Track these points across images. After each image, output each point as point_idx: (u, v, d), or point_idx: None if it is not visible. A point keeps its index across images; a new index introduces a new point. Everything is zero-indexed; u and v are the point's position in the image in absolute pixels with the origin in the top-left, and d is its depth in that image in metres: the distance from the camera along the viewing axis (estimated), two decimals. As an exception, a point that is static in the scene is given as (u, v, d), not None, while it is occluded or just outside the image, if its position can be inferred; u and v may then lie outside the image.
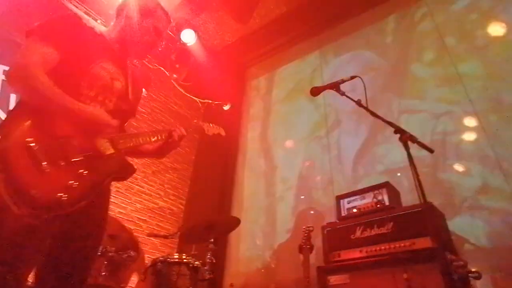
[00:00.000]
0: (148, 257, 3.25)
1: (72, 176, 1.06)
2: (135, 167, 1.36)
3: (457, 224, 2.30)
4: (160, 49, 3.80)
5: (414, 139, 1.45)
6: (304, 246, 2.26)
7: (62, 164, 1.05)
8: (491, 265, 2.08)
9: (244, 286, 3.31)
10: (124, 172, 1.29)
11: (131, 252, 2.12)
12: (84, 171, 1.09)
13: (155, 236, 3.24)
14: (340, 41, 4.25)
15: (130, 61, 1.48)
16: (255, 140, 4.47)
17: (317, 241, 2.23)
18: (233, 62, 5.11)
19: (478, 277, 1.48)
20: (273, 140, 4.23)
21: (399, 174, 2.84)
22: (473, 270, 1.55)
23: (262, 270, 3.36)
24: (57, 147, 1.06)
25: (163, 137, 1.49)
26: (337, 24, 4.34)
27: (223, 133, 1.93)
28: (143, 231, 3.60)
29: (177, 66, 4.61)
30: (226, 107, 4.56)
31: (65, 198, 1.02)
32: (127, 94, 1.37)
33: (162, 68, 4.54)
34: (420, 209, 1.75)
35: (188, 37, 4.36)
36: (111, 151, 1.21)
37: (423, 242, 1.67)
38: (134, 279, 2.68)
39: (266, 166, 4.09)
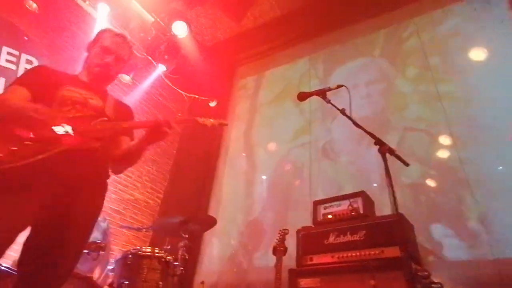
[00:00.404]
0: (119, 249, 3.18)
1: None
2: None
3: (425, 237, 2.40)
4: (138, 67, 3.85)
5: (392, 152, 1.50)
6: (278, 248, 2.29)
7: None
8: (453, 277, 2.19)
9: (215, 285, 3.30)
10: (84, 149, 1.35)
11: (100, 242, 2.07)
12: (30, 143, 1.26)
13: (128, 228, 3.18)
14: (329, 50, 4.33)
15: (105, 88, 1.65)
16: (238, 139, 4.47)
17: (292, 244, 2.26)
18: (223, 60, 5.09)
19: (440, 288, 1.55)
20: (256, 141, 4.25)
21: (375, 185, 2.93)
22: (435, 281, 1.62)
23: (235, 270, 3.37)
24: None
25: (143, 126, 1.53)
26: (328, 33, 4.42)
27: (225, 122, 1.85)
28: (116, 222, 3.52)
29: (166, 57, 4.54)
30: (212, 104, 4.55)
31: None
32: (104, 110, 1.52)
33: (150, 58, 4.45)
34: (391, 219, 1.81)
35: (180, 29, 4.29)
36: (69, 131, 1.33)
37: (392, 251, 1.74)
38: (99, 270, 2.61)
39: (247, 167, 4.10)
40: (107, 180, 1.52)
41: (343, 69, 4.00)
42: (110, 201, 3.62)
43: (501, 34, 3.05)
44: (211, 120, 1.69)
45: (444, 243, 2.38)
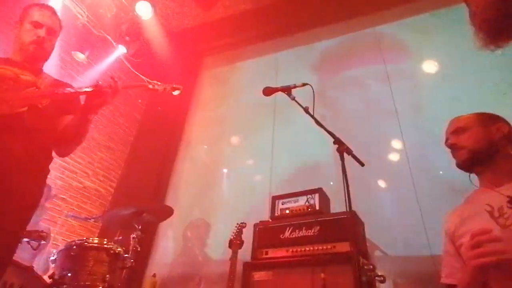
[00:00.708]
0: (62, 239, 2.96)
1: None
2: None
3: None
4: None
5: (349, 151, 1.57)
6: (234, 241, 2.30)
7: None
8: (395, 271, 2.37)
9: (168, 277, 3.23)
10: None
11: (42, 231, 1.91)
12: None
13: (75, 217, 2.97)
14: (296, 49, 4.40)
15: (40, 66, 1.55)
16: (201, 131, 4.38)
17: (248, 237, 2.28)
18: (188, 48, 4.94)
19: (382, 281, 1.66)
20: (219, 133, 4.20)
21: (331, 183, 3.04)
22: (379, 274, 1.73)
23: (189, 263, 3.32)
24: None
25: (81, 93, 1.40)
26: (297, 32, 4.48)
27: (178, 87, 1.69)
28: (61, 210, 3.27)
29: (127, 38, 4.30)
30: (175, 92, 4.38)
31: None
32: (36, 84, 1.41)
33: (109, 37, 4.18)
34: (345, 216, 1.90)
35: (144, 10, 4.08)
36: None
37: (343, 246, 1.83)
38: (40, 261, 2.42)
39: (208, 159, 4.05)
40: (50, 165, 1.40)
41: (308, 70, 4.10)
42: (55, 187, 3.35)
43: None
44: (162, 84, 1.58)
45: (389, 239, 2.55)
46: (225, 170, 3.86)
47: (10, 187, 1.18)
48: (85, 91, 1.38)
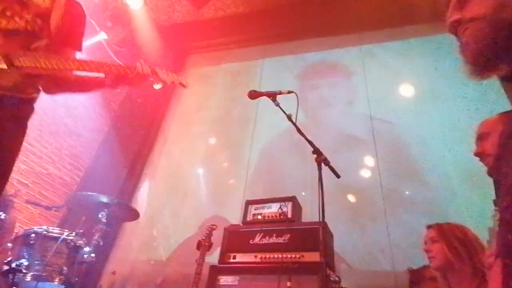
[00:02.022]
0: (20, 226, 2.77)
1: None
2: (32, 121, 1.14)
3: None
4: None
5: (327, 162, 1.60)
6: (203, 242, 2.26)
7: None
8: (359, 284, 2.42)
9: (128, 276, 3.10)
10: (20, 92, 1.10)
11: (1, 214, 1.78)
12: None
13: (35, 204, 2.79)
14: (281, 58, 4.46)
15: None
16: (179, 129, 4.30)
17: (217, 241, 2.25)
18: (175, 43, 4.87)
19: (346, 293, 1.69)
20: (198, 133, 4.14)
21: (303, 193, 3.08)
22: (344, 287, 1.77)
23: (152, 262, 3.22)
24: None
25: (102, 70, 1.24)
26: (284, 41, 4.55)
27: (185, 84, 1.61)
28: (21, 196, 3.06)
29: (108, 24, 4.16)
30: (157, 86, 4.27)
31: None
32: (49, 16, 1.21)
33: (93, 22, 4.03)
34: (316, 226, 1.92)
35: (134, -1, 3.99)
36: (2, 66, 1.05)
37: (312, 256, 1.84)
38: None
39: (184, 158, 3.97)
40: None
41: (291, 80, 4.16)
42: (18, 171, 3.14)
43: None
44: (172, 76, 1.47)
45: (355, 254, 2.61)
46: (200, 171, 3.81)
47: None
48: (102, 67, 1.25)
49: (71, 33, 1.32)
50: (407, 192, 2.89)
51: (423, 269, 1.88)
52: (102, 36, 4.13)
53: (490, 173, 1.26)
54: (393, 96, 3.61)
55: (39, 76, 1.17)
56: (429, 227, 1.68)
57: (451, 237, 1.55)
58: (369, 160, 3.23)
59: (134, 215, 2.42)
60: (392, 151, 3.13)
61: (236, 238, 2.14)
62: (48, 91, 1.32)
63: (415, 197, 2.80)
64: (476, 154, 1.30)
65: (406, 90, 3.65)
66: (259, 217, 2.25)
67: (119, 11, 4.12)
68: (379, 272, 2.48)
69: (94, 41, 4.13)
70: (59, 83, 1.30)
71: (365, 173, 3.22)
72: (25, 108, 1.18)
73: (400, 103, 3.54)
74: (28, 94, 1.14)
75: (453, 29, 0.78)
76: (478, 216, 2.20)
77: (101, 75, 1.29)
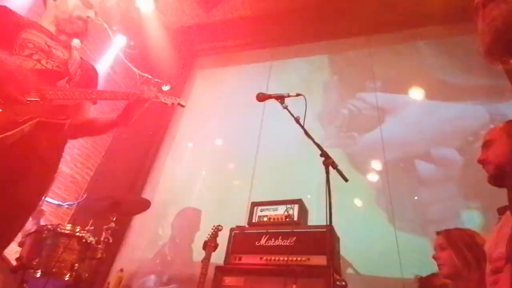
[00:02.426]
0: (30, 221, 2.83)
1: None
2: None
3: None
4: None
5: (334, 166, 1.59)
6: (209, 243, 2.27)
7: None
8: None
9: (134, 274, 3.13)
10: (54, 117, 1.22)
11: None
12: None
13: (47, 202, 2.85)
14: (290, 61, 4.47)
15: (70, 41, 1.49)
16: (186, 130, 4.34)
17: (223, 241, 2.26)
18: (184, 46, 4.92)
19: (353, 298, 1.68)
20: (204, 134, 4.17)
21: (309, 196, 3.07)
22: (350, 291, 1.75)
23: (158, 261, 3.24)
24: None
25: (117, 97, 1.43)
26: (293, 44, 4.57)
27: (183, 104, 1.73)
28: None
29: (114, 28, 4.22)
30: (165, 88, 4.34)
31: None
32: (67, 65, 1.38)
33: (106, 26, 4.10)
34: (323, 230, 1.92)
35: (145, 3, 4.06)
36: (36, 98, 1.18)
37: (318, 260, 1.84)
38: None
39: (191, 159, 4.01)
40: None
41: (300, 82, 4.17)
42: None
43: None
44: (172, 98, 1.63)
45: (361, 259, 2.59)
46: (205, 172, 3.83)
47: (20, 193, 1.14)
48: (119, 95, 1.43)
49: (86, 87, 1.46)
50: (416, 198, 2.86)
51: (432, 276, 1.84)
52: (120, 40, 4.20)
53: (490, 181, 1.25)
54: (403, 96, 3.58)
55: (66, 107, 1.31)
56: (438, 233, 1.67)
57: (459, 244, 1.53)
58: (377, 164, 3.21)
59: (145, 205, 2.45)
60: (401, 154, 3.11)
61: (242, 240, 2.15)
62: (73, 137, 1.46)
63: (424, 202, 2.77)
64: (479, 161, 1.29)
65: (417, 92, 3.61)
66: (265, 219, 2.25)
67: (130, 15, 4.19)
68: (386, 278, 2.45)
69: (115, 47, 4.21)
70: (81, 129, 1.45)
71: (373, 177, 3.19)
72: (59, 131, 1.29)
73: (410, 103, 3.51)
74: (61, 119, 1.26)
75: (481, 5, 0.74)
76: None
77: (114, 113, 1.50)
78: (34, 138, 1.17)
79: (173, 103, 1.62)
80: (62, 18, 1.41)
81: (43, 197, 1.30)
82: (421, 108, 3.45)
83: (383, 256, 2.56)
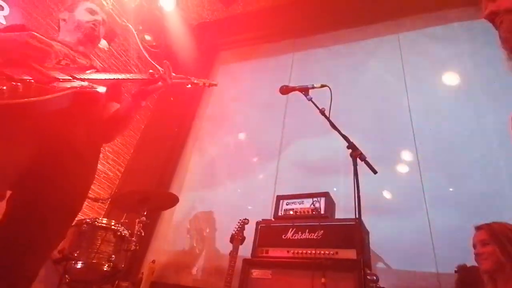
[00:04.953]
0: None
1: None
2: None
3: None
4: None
5: (363, 157, 1.54)
6: (236, 236, 2.31)
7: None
8: (397, 285, 2.33)
9: (166, 265, 3.25)
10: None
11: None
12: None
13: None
14: (313, 51, 4.37)
15: (90, 51, 1.55)
16: (210, 124, 4.40)
17: (250, 235, 2.28)
18: (205, 41, 4.96)
19: (385, 293, 1.65)
20: (228, 128, 4.21)
21: (335, 189, 3.02)
22: (381, 286, 1.72)
23: (187, 253, 3.34)
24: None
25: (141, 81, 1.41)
26: (316, 33, 4.46)
27: (214, 83, 1.75)
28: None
29: (140, 28, 4.32)
30: (188, 85, 4.40)
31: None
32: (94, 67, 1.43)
33: (130, 26, 4.21)
34: (352, 223, 1.88)
35: (167, 1, 4.12)
36: (67, 76, 1.19)
37: (347, 253, 1.81)
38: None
39: (215, 153, 4.06)
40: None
41: (324, 72, 4.07)
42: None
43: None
44: (202, 80, 1.66)
45: (394, 252, 2.51)
46: (230, 165, 3.87)
47: (70, 178, 1.15)
48: (140, 79, 1.42)
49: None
50: (450, 189, 2.72)
51: (474, 267, 1.75)
52: (142, 39, 4.30)
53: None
54: (435, 86, 3.39)
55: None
56: (478, 228, 1.62)
57: (503, 239, 1.51)
58: (408, 155, 3.08)
59: (173, 200, 2.53)
60: (434, 144, 2.96)
61: (268, 233, 2.16)
62: (106, 141, 1.49)
63: (459, 193, 2.63)
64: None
65: (449, 79, 3.41)
66: (291, 212, 2.25)
67: (153, 13, 4.26)
68: (420, 273, 2.36)
69: (141, 46, 4.32)
70: (111, 124, 1.44)
71: (403, 168, 3.07)
72: (95, 109, 1.31)
73: (442, 94, 3.33)
74: (95, 92, 1.26)
75: (490, 20, 0.76)
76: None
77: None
78: (69, 129, 1.17)
79: (204, 83, 1.64)
80: (73, 27, 1.48)
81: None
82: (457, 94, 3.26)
83: (415, 250, 2.47)
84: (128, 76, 1.44)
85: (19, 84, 1.01)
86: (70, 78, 1.19)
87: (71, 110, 1.16)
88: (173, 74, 1.47)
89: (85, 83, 1.23)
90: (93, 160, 1.32)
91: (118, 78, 1.38)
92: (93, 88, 1.23)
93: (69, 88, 1.15)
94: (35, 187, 1.05)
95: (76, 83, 1.19)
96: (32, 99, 1.02)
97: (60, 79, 1.15)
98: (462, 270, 1.83)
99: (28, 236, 1.00)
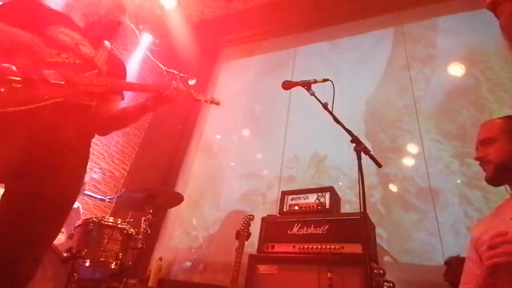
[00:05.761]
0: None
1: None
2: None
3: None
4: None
5: (367, 151, 1.53)
6: (242, 232, 2.31)
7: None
8: (403, 278, 2.31)
9: (172, 262, 3.28)
10: (77, 99, 1.19)
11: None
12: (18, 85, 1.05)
13: (90, 196, 3.05)
14: (316, 45, 4.34)
15: (103, 41, 1.45)
16: (213, 122, 4.40)
17: (255, 231, 2.28)
18: (207, 39, 4.95)
19: (391, 287, 1.64)
20: (231, 126, 4.21)
21: (340, 184, 3.02)
22: (388, 279, 1.71)
23: (193, 250, 3.37)
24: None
25: (143, 90, 1.40)
26: (317, 28, 4.43)
27: (216, 101, 1.74)
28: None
29: (141, 27, 4.33)
30: (191, 82, 4.42)
31: None
32: (93, 60, 1.34)
33: (132, 25, 4.22)
34: (357, 217, 1.87)
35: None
36: (60, 81, 1.15)
37: (352, 248, 1.80)
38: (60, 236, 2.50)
39: (219, 151, 4.07)
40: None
41: (326, 67, 4.04)
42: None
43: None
44: (205, 96, 1.65)
45: (400, 246, 2.50)
46: (234, 162, 3.87)
47: (61, 169, 1.13)
48: (147, 87, 1.41)
49: (118, 72, 1.46)
50: (458, 181, 2.70)
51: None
52: (147, 39, 4.31)
53: (488, 181, 1.20)
54: (441, 76, 3.35)
55: (93, 94, 1.27)
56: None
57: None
58: (414, 148, 3.06)
59: (178, 198, 2.54)
60: (439, 135, 2.93)
61: (274, 228, 2.16)
62: (103, 130, 1.45)
63: (467, 186, 2.61)
64: (477, 158, 1.23)
65: (456, 70, 3.37)
66: (296, 207, 2.24)
67: (155, 12, 4.27)
68: (427, 266, 2.35)
69: (144, 46, 4.33)
70: (112, 121, 1.41)
71: (409, 161, 3.05)
72: (85, 114, 1.26)
73: (449, 83, 3.28)
74: (85, 101, 1.23)
75: (490, 9, 0.76)
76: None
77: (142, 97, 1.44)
78: (58, 125, 1.15)
79: (206, 101, 1.64)
80: (93, 19, 1.39)
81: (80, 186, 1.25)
82: (463, 86, 3.22)
83: (423, 244, 2.45)
84: (128, 85, 1.42)
85: (2, 89, 1.01)
86: (62, 83, 1.14)
87: (61, 105, 1.14)
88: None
89: (79, 88, 1.20)
90: (84, 151, 1.29)
91: (115, 86, 1.35)
92: (84, 101, 1.21)
93: (56, 96, 1.12)
94: (27, 181, 1.05)
95: (68, 90, 1.16)
96: (9, 109, 1.01)
97: (50, 82, 1.11)
98: (453, 260, 1.80)
99: (23, 231, 1.00)
